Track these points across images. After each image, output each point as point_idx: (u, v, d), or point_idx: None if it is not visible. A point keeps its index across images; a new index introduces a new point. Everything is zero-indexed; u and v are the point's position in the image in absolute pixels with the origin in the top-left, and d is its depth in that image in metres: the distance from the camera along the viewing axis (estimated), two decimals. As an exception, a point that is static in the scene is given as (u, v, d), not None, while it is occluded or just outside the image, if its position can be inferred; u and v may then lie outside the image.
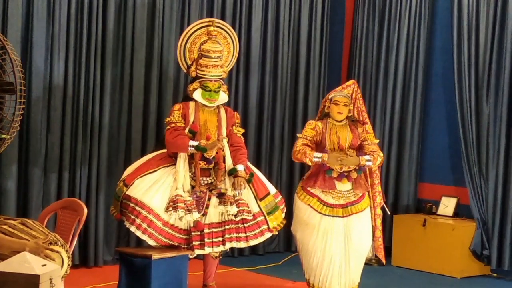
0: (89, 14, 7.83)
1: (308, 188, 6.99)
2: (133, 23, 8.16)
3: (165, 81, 8.43)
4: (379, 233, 7.28)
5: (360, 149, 7.00)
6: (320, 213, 6.94)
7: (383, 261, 7.86)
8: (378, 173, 7.28)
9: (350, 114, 7.08)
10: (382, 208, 7.90)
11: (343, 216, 6.95)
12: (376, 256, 7.66)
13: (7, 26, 7.34)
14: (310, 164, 6.92)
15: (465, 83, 8.61)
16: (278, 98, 9.31)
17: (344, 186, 6.97)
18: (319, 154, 6.85)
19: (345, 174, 6.92)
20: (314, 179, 6.97)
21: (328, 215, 6.93)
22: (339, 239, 6.94)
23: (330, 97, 7.10)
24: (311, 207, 6.96)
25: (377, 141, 7.16)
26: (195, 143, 6.60)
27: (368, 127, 7.13)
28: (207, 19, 7.10)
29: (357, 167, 6.90)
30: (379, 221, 7.26)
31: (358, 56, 9.65)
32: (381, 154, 7.04)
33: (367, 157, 6.88)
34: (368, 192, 7.11)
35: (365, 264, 8.18)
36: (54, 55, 7.66)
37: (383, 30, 9.46)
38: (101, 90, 7.97)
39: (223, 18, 8.49)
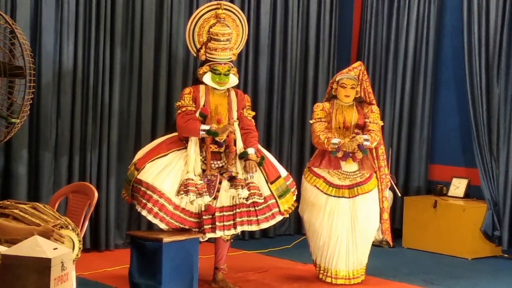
0: (97, -2, 7.84)
1: (314, 169, 7.10)
2: (142, 6, 8.14)
3: (174, 64, 8.42)
4: (386, 215, 7.31)
5: (364, 128, 7.07)
6: (326, 193, 7.03)
7: (391, 243, 7.89)
8: (385, 155, 7.30)
9: (357, 96, 7.15)
10: (393, 190, 7.92)
11: (349, 197, 7.03)
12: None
13: (16, 10, 7.34)
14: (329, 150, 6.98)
15: (476, 64, 8.58)
16: (287, 81, 9.29)
17: (350, 167, 7.04)
18: (336, 140, 6.89)
19: (350, 154, 6.96)
20: (320, 159, 7.11)
21: (334, 196, 7.03)
22: (345, 219, 7.01)
23: (337, 79, 7.17)
24: (317, 188, 7.06)
25: (381, 123, 7.22)
26: (206, 127, 6.58)
27: (374, 107, 7.21)
28: (216, 2, 7.05)
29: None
30: (386, 204, 7.28)
31: (367, 38, 9.62)
32: (379, 135, 7.09)
33: (365, 136, 6.94)
34: (376, 173, 7.15)
35: (376, 246, 8.22)
36: (63, 39, 7.65)
37: (392, 10, 9.41)
38: (111, 73, 7.97)
39: (231, 0, 8.46)
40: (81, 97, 7.79)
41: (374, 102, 7.25)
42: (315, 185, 7.07)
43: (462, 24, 8.73)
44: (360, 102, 7.21)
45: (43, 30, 7.53)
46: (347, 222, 7.01)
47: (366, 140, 6.94)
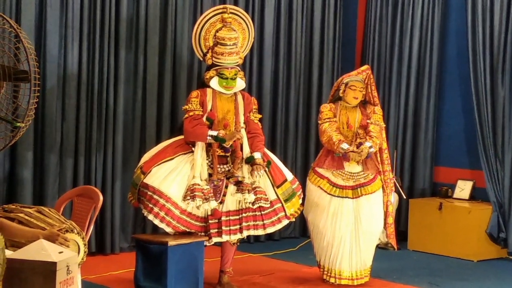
0: (102, 2, 7.83)
1: (318, 169, 7.16)
2: (146, 10, 8.15)
3: (179, 68, 8.43)
4: (391, 219, 7.31)
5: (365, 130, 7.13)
6: (330, 194, 7.08)
7: (395, 247, 7.88)
8: (389, 159, 7.32)
9: (363, 99, 7.19)
10: (398, 193, 7.92)
11: (353, 198, 7.06)
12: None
13: (21, 14, 7.35)
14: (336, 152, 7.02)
15: (480, 66, 8.57)
16: (292, 84, 9.29)
17: (354, 167, 7.09)
18: (345, 146, 6.93)
19: None
20: (323, 160, 7.18)
21: (338, 196, 7.07)
22: (349, 220, 7.04)
23: (345, 81, 7.19)
24: (321, 188, 7.12)
25: (384, 125, 7.25)
26: (214, 133, 6.57)
27: (377, 108, 7.26)
28: (221, 6, 7.04)
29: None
30: (391, 208, 7.29)
31: (372, 40, 9.61)
32: (379, 136, 7.12)
33: (368, 143, 6.99)
34: (380, 173, 7.18)
35: (381, 248, 8.22)
36: (68, 43, 7.66)
37: (397, 13, 9.41)
38: (115, 77, 7.97)
39: (236, 3, 8.47)
40: (85, 101, 7.80)
41: (378, 104, 7.28)
42: (319, 186, 7.10)
43: (466, 26, 8.73)
44: (364, 103, 7.24)
45: (48, 34, 7.54)
46: (351, 223, 7.04)
47: (371, 147, 7.00)
